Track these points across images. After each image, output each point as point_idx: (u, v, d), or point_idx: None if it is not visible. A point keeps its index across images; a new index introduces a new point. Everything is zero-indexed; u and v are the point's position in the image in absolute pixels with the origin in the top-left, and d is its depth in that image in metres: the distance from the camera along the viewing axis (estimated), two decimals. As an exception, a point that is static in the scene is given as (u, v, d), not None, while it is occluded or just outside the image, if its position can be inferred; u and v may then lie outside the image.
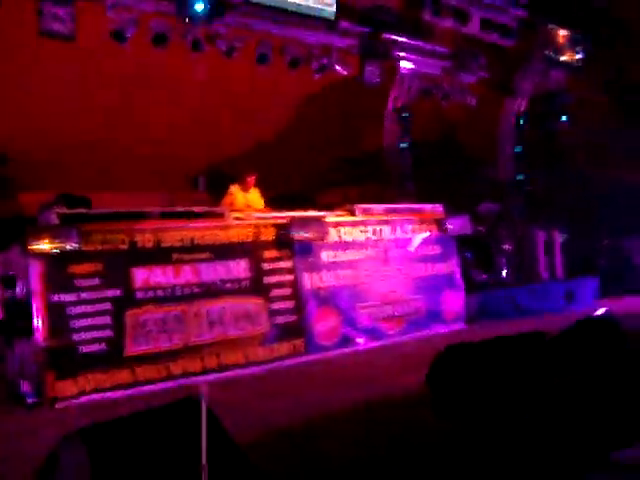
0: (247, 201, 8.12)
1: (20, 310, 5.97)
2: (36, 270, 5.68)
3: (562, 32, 11.85)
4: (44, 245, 5.57)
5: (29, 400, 5.50)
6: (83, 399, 5.60)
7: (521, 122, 12.77)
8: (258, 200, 8.28)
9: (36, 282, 5.67)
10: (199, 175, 13.53)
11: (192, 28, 8.21)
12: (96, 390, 5.72)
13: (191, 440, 2.85)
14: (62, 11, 7.07)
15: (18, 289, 6.28)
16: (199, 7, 7.90)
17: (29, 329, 5.69)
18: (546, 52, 11.71)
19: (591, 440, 3.93)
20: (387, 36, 10.07)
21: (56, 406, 5.47)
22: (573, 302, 10.01)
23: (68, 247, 5.67)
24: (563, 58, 12.01)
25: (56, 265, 5.72)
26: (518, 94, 12.67)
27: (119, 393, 5.78)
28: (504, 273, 11.30)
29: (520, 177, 12.73)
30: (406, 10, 10.14)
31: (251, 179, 8.22)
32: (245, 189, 8.20)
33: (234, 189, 8.17)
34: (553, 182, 12.94)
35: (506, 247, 11.62)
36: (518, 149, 12.79)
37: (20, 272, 6.18)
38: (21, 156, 10.98)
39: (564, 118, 12.47)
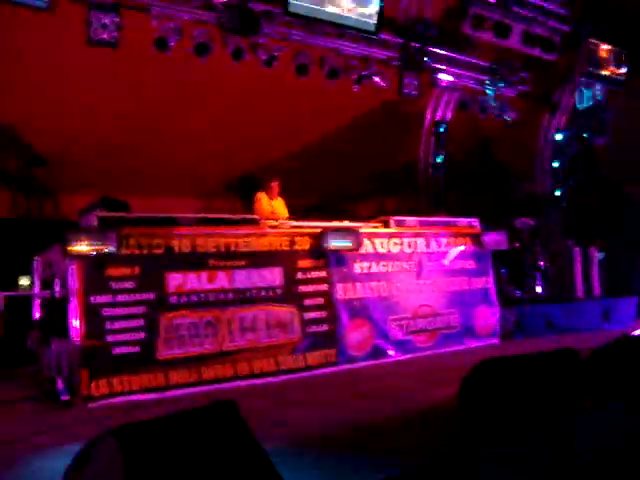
0: (272, 208, 8.12)
1: (58, 310, 6.10)
2: (75, 271, 5.80)
3: (604, 47, 11.70)
4: (83, 247, 5.68)
5: (63, 398, 5.60)
6: (115, 400, 5.69)
7: (560, 137, 12.62)
8: (282, 208, 8.27)
9: (74, 283, 5.80)
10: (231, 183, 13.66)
11: (233, 37, 8.32)
12: (128, 391, 5.80)
13: (221, 445, 2.87)
14: (109, 20, 7.24)
15: (57, 289, 6.43)
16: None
17: (66, 329, 5.81)
18: (588, 67, 11.56)
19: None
20: (427, 48, 10.07)
21: (89, 405, 5.56)
22: (610, 321, 9.82)
23: (106, 250, 5.78)
24: (605, 73, 11.84)
25: (94, 267, 5.83)
26: (558, 109, 12.54)
27: (150, 395, 5.85)
28: (539, 290, 11.15)
29: (557, 192, 12.56)
30: (446, 23, 10.12)
31: (275, 184, 8.22)
32: (271, 196, 8.20)
33: (260, 196, 8.18)
34: (592, 199, 12.75)
35: (542, 263, 11.47)
36: (556, 164, 12.64)
37: (59, 273, 6.32)
38: (60, 159, 11.24)
39: (604, 134, 12.30)
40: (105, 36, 7.24)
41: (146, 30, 7.82)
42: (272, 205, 8.16)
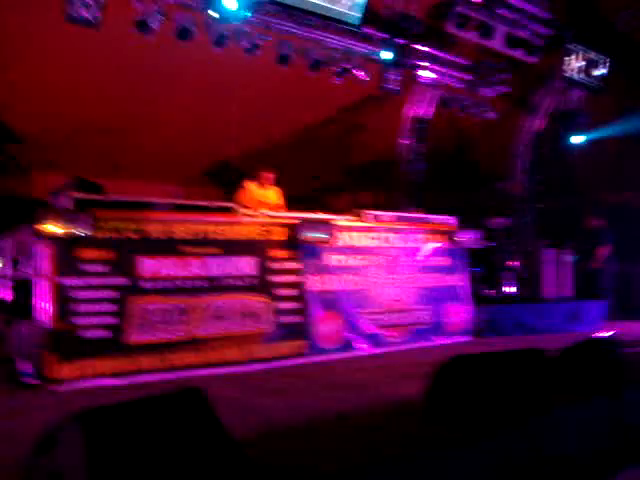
0: (262, 197, 8.13)
1: (27, 291, 6.02)
2: (46, 252, 5.73)
3: (584, 52, 11.82)
4: (57, 228, 5.61)
5: (29, 381, 5.53)
6: (83, 383, 5.63)
7: (537, 139, 12.75)
8: (276, 197, 8.29)
9: (44, 264, 5.72)
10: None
11: (217, 24, 8.25)
12: (96, 375, 5.75)
13: (186, 431, 2.87)
14: (92, -1, 7.13)
15: (27, 270, 6.34)
16: (231, 5, 7.95)
17: (34, 310, 5.73)
18: (567, 71, 11.68)
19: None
20: (411, 45, 10.09)
21: (56, 388, 5.50)
22: (578, 323, 9.97)
23: (82, 233, 5.70)
24: (584, 78, 11.97)
25: (65, 249, 5.75)
26: (537, 111, 12.66)
27: (119, 380, 5.81)
28: (512, 290, 11.27)
29: (532, 194, 12.70)
30: (430, 21, 10.14)
31: (269, 175, 8.25)
32: (261, 185, 8.22)
33: (250, 184, 8.19)
34: (565, 202, 12.92)
35: (514, 264, 11.60)
36: (532, 166, 12.76)
37: (29, 253, 6.23)
38: (36, 138, 11.08)
39: (579, 138, 12.46)
40: (86, 14, 7.10)
41: (127, 12, 7.72)
42: (263, 194, 8.16)
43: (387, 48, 9.81)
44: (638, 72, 12.59)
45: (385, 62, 9.91)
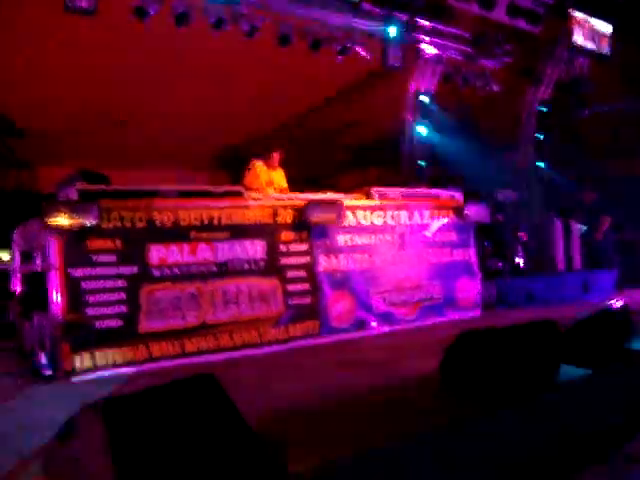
0: (270, 178, 8.10)
1: (38, 283, 6.04)
2: (54, 245, 5.74)
3: (589, 20, 11.66)
4: (63, 220, 5.62)
5: (45, 372, 5.58)
6: (97, 373, 5.68)
7: (544, 109, 12.63)
8: (282, 179, 8.27)
9: (54, 256, 5.74)
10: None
11: (214, 7, 8.18)
12: (110, 364, 5.80)
13: (203, 415, 2.89)
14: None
15: (37, 262, 6.37)
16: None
17: (46, 302, 5.76)
18: (572, 40, 11.53)
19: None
20: (413, 20, 9.97)
21: (71, 379, 5.55)
22: (589, 293, 9.95)
23: (87, 223, 5.72)
24: (589, 46, 11.82)
25: (74, 240, 5.77)
26: (542, 81, 12.52)
27: (133, 369, 5.85)
28: (521, 262, 11.24)
29: (540, 165, 12.60)
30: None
31: (276, 155, 8.21)
32: (270, 166, 8.18)
33: (258, 164, 8.14)
34: (573, 172, 12.81)
35: (523, 236, 11.55)
36: (539, 136, 12.65)
37: (39, 246, 6.26)
38: (38, 131, 11.05)
39: (585, 108, 12.35)
40: (83, 4, 7.07)
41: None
42: (270, 175, 8.13)
43: (388, 23, 9.70)
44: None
45: (389, 38, 9.79)
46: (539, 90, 12.59)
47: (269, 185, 7.94)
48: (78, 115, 10.87)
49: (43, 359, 5.66)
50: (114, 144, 12.02)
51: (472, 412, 3.62)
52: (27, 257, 6.98)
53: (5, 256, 8.69)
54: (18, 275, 7.50)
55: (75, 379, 5.57)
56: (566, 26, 11.38)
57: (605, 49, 12.01)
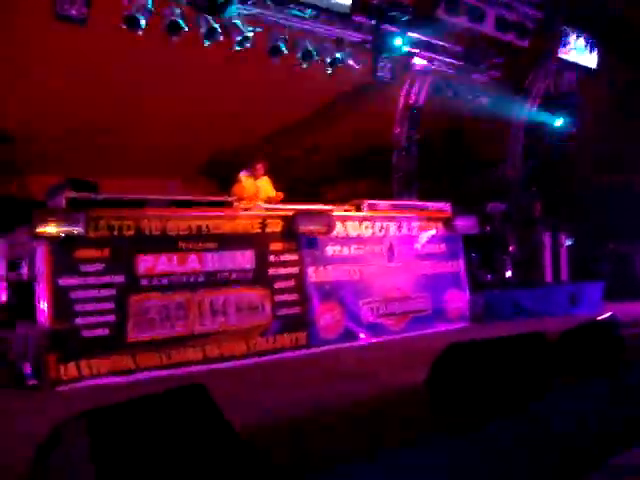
0: (257, 189, 8.11)
1: (25, 292, 5.99)
2: (42, 253, 5.71)
3: (576, 35, 11.78)
4: (51, 229, 5.58)
5: (30, 382, 5.52)
6: (84, 383, 5.63)
7: (532, 122, 12.73)
8: (268, 188, 8.27)
9: (42, 265, 5.71)
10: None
11: (206, 17, 8.19)
12: (97, 375, 5.75)
13: (191, 426, 2.86)
14: (77, -6, 7.06)
15: (24, 271, 6.31)
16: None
17: (33, 311, 5.71)
18: (559, 54, 11.64)
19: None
20: (401, 32, 10.03)
21: (57, 389, 5.50)
22: (577, 306, 9.98)
23: (75, 232, 5.68)
24: (576, 61, 11.94)
25: (62, 249, 5.74)
26: (530, 94, 12.62)
27: (120, 378, 5.81)
28: (508, 274, 11.28)
29: (528, 177, 12.68)
30: (421, 7, 10.07)
31: (260, 166, 8.22)
32: (255, 176, 8.19)
33: (243, 177, 8.15)
34: (560, 185, 12.91)
35: (511, 248, 11.60)
36: (526, 150, 12.75)
37: (26, 254, 6.21)
38: (30, 138, 10.99)
39: (572, 120, 12.46)
40: (73, 12, 7.05)
41: (117, 8, 7.65)
42: (256, 185, 8.13)
43: (379, 35, 9.75)
44: (630, 53, 12.56)
45: (394, 49, 9.81)
46: (527, 103, 12.69)
47: (256, 196, 7.95)
48: (66, 123, 10.83)
49: (27, 368, 5.60)
50: (104, 153, 11.98)
51: (458, 426, 3.61)
52: (13, 266, 6.91)
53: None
54: (4, 284, 7.42)
55: (61, 389, 5.51)
56: (554, 40, 11.48)
57: (592, 63, 12.13)
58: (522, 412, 3.98)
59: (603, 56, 12.19)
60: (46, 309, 5.64)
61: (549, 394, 4.35)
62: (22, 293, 6.23)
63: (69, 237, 5.69)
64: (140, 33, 7.79)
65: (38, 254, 5.73)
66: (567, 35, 11.61)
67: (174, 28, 7.99)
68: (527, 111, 12.73)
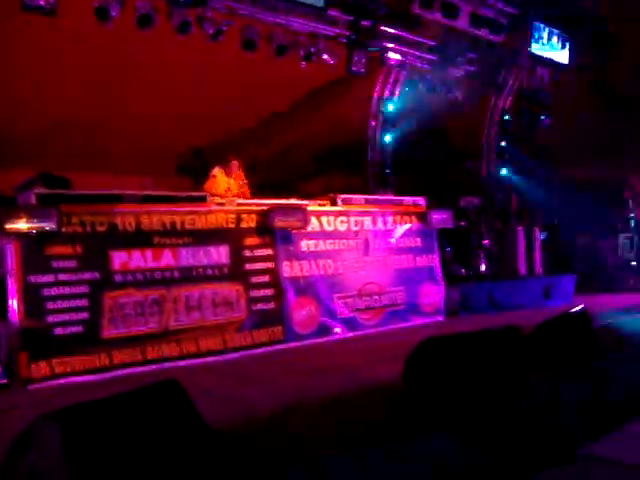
0: (229, 185, 8.08)
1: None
2: (12, 250, 5.61)
3: (549, 30, 11.88)
4: (21, 225, 5.49)
5: (1, 381, 5.43)
6: (57, 382, 5.55)
7: (506, 117, 12.83)
8: (242, 184, 8.23)
9: (12, 262, 5.60)
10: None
11: (179, 10, 8.11)
12: (70, 373, 5.68)
13: (165, 423, 2.84)
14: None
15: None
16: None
17: (3, 309, 5.62)
18: (533, 49, 11.74)
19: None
20: (376, 27, 10.03)
21: (29, 388, 5.42)
22: (550, 299, 10.11)
23: (47, 228, 5.60)
24: (547, 56, 12.05)
25: (33, 246, 5.65)
26: (504, 89, 12.72)
27: (94, 376, 5.74)
28: (483, 268, 11.38)
29: (503, 172, 12.79)
30: (396, 1, 10.08)
31: (235, 162, 8.19)
32: (228, 173, 8.16)
33: (217, 172, 8.11)
34: (533, 180, 13.04)
35: (486, 242, 11.71)
36: (502, 144, 12.85)
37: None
38: (1, 132, 10.80)
39: (544, 116, 12.58)
40: (41, 2, 6.92)
41: (89, 3, 7.54)
42: (229, 182, 8.10)
43: (353, 30, 9.74)
44: (603, 49, 12.70)
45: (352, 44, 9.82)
46: (501, 98, 12.79)
47: (227, 192, 7.92)
48: (40, 117, 10.68)
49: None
50: (76, 147, 11.83)
51: (430, 422, 3.63)
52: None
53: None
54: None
55: (32, 387, 5.43)
56: (527, 36, 11.57)
57: (564, 59, 12.25)
58: (500, 405, 4.02)
59: (576, 51, 12.32)
60: (17, 307, 5.55)
61: (525, 386, 4.39)
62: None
63: (40, 234, 5.60)
64: (115, 28, 7.69)
65: (8, 251, 5.63)
66: (540, 31, 11.70)
67: (146, 21, 7.91)
68: (501, 106, 12.81)
